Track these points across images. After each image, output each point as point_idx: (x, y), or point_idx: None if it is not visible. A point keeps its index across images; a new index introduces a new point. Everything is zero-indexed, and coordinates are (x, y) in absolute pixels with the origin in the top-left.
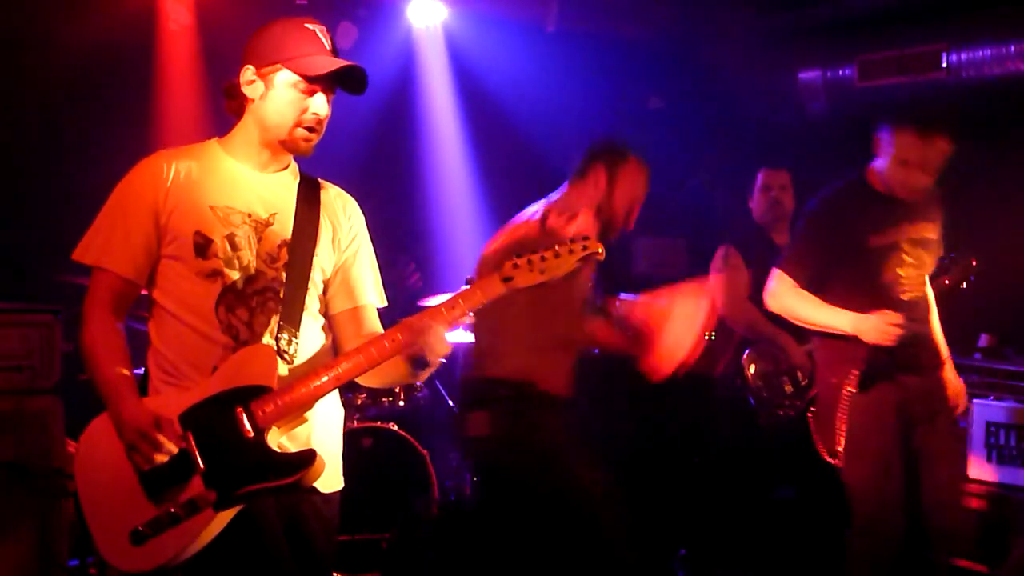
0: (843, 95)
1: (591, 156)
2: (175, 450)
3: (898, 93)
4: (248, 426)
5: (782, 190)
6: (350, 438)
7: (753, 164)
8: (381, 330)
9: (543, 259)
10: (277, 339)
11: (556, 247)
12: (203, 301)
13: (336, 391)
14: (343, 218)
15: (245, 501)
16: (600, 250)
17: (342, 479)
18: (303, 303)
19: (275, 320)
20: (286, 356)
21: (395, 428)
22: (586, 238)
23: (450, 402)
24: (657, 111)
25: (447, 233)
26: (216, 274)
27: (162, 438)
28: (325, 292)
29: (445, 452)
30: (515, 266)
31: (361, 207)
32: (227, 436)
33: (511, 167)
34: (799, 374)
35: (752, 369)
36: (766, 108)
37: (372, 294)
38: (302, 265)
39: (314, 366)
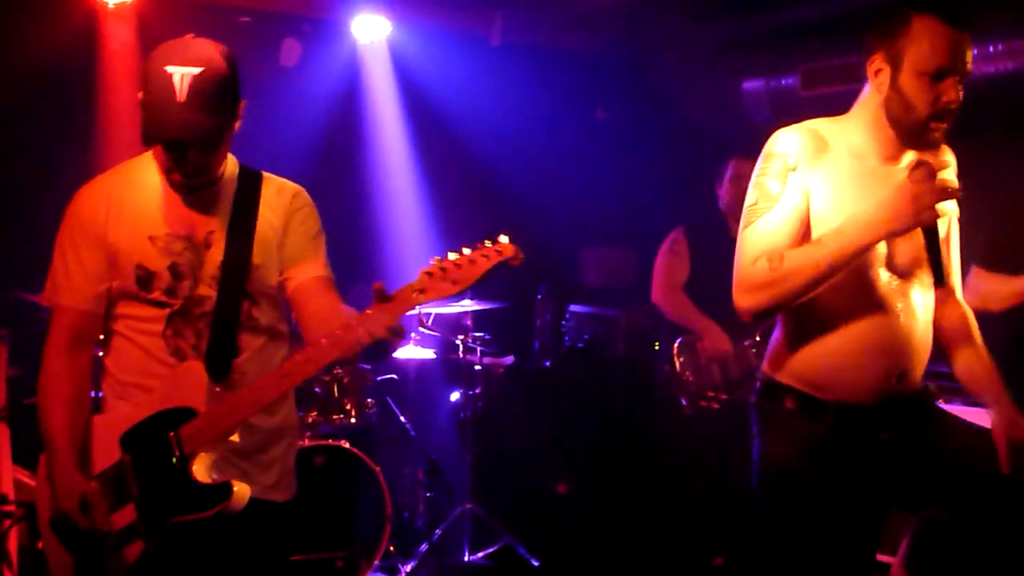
0: (787, 104)
1: (866, 45)
2: (101, 522)
3: (841, 101)
4: (177, 452)
5: None
6: (301, 456)
7: (699, 173)
8: (333, 301)
9: (457, 266)
10: (212, 358)
11: (470, 252)
12: (151, 326)
13: (291, 403)
14: (284, 210)
15: (176, 531)
16: (514, 254)
17: (292, 488)
18: (238, 320)
19: (216, 339)
20: (219, 375)
21: (347, 445)
22: (501, 241)
23: (401, 418)
24: (603, 122)
25: (395, 244)
26: (161, 304)
27: (87, 518)
28: (283, 286)
29: (398, 468)
30: (429, 274)
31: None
32: (158, 463)
33: (458, 180)
34: (732, 367)
35: (682, 358)
36: (711, 117)
37: (314, 267)
38: (235, 282)
39: (246, 385)
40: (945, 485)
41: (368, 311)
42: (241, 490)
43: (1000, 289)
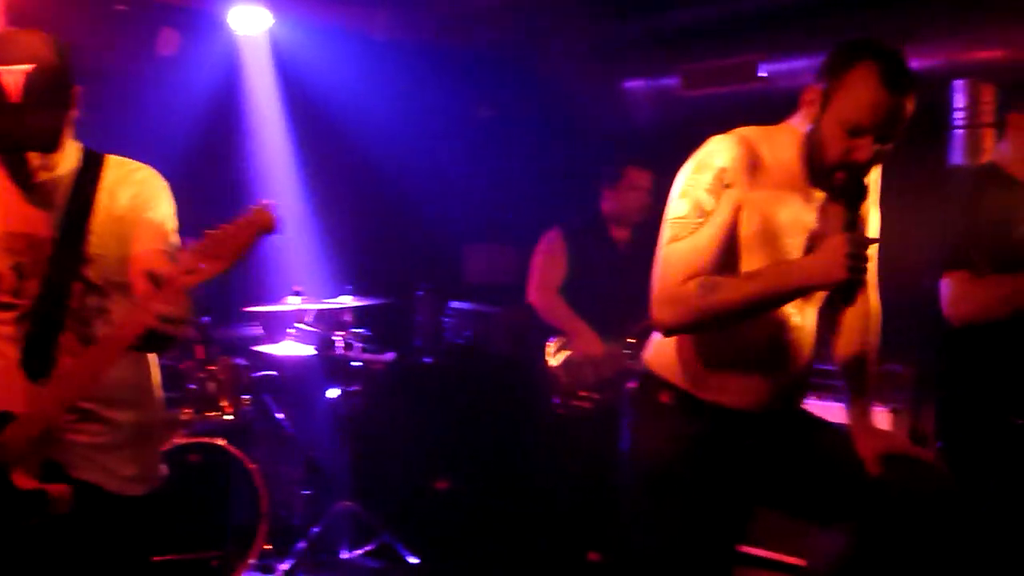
0: (668, 104)
1: (817, 71)
2: None
3: (720, 102)
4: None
5: (648, 192)
6: (175, 454)
7: (581, 172)
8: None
9: (220, 242)
10: (30, 356)
11: (230, 225)
12: (1, 328)
13: (151, 398)
14: (126, 192)
15: (22, 536)
16: (270, 223)
17: (153, 482)
18: (62, 314)
19: (60, 338)
20: (39, 374)
21: (222, 443)
22: (256, 210)
23: (279, 415)
24: (487, 120)
25: (274, 240)
26: (7, 306)
27: None
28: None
29: (275, 466)
30: (194, 254)
31: (187, 211)
32: None
33: (340, 176)
34: (604, 368)
35: (557, 355)
36: (594, 117)
37: (151, 241)
38: (65, 275)
39: (52, 384)
40: (815, 489)
41: (142, 299)
42: (57, 497)
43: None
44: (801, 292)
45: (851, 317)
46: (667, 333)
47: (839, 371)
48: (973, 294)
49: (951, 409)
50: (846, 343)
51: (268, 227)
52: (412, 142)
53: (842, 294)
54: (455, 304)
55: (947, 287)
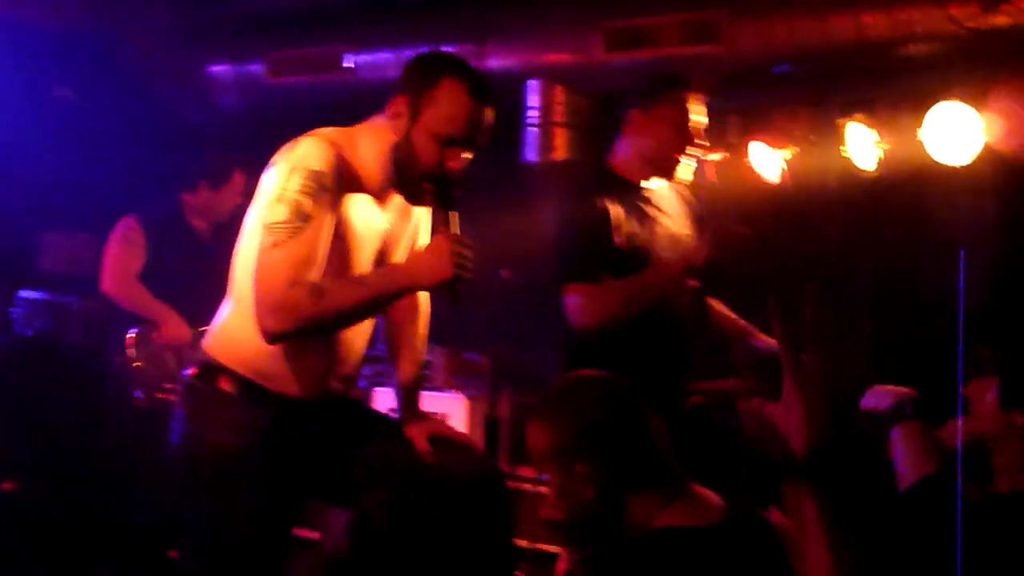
0: (253, 90)
1: (396, 83)
2: None
3: (307, 91)
4: None
5: (243, 193)
6: None
7: (163, 159)
8: None
9: None
10: None
11: None
12: None
13: None
14: None
15: None
16: None
17: None
18: None
19: None
20: None
21: None
22: None
23: None
24: (64, 101)
25: None
26: None
27: None
28: None
29: None
30: None
31: None
32: None
33: None
34: (189, 356)
35: (136, 349)
36: (179, 100)
37: None
38: None
39: None
40: (361, 474)
41: None
42: None
43: None
44: (409, 293)
45: (404, 309)
46: (272, 340)
47: (390, 359)
48: (590, 303)
49: None
50: (399, 333)
51: None
52: None
53: (448, 292)
54: (25, 293)
55: (569, 299)
